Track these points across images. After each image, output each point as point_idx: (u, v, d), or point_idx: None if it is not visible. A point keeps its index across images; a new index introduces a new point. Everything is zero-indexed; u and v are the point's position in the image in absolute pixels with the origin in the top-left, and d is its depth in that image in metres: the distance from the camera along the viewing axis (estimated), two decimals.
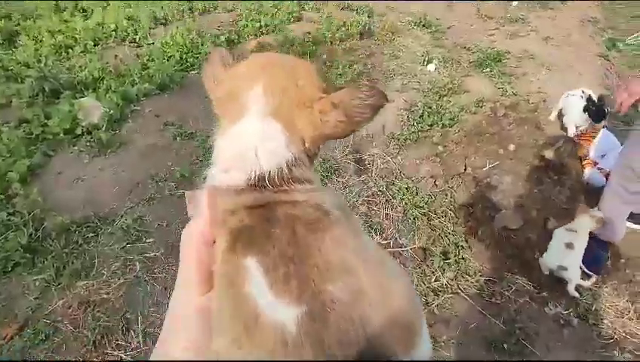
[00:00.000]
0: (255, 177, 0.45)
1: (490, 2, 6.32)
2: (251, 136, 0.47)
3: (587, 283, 2.19)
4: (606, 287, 2.24)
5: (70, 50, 4.34)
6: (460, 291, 2.20)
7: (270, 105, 0.48)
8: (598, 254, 2.27)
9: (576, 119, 3.09)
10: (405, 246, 2.42)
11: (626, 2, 6.75)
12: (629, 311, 2.11)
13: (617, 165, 2.21)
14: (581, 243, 2.15)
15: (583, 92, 3.14)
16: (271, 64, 0.53)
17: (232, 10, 5.53)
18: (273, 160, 0.46)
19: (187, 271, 0.47)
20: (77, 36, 4.54)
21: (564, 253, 2.12)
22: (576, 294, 2.15)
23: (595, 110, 2.90)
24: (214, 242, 0.46)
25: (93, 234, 2.39)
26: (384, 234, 2.49)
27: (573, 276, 2.13)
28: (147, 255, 2.31)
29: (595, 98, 3.00)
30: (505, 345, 1.97)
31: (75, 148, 3.03)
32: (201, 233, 0.47)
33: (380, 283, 0.42)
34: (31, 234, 2.34)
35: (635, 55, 4.82)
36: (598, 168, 2.86)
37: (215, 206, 0.46)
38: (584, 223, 2.17)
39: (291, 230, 0.42)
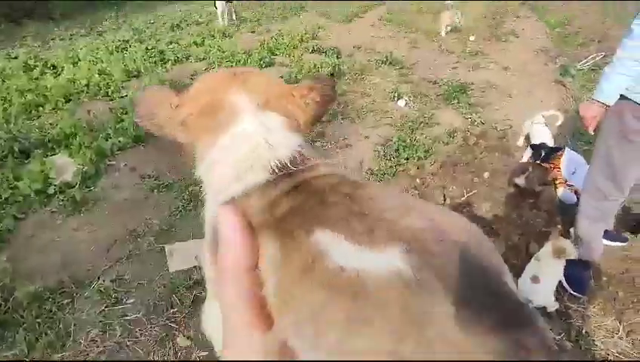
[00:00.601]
0: (277, 166, 0.44)
1: (451, 38, 6.73)
2: (256, 132, 0.46)
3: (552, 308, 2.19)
4: (593, 307, 2.26)
5: (40, 108, 4.29)
6: None
7: (259, 101, 0.49)
8: (582, 275, 2.32)
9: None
10: None
11: (571, 31, 7.32)
12: (619, 330, 2.13)
13: (585, 185, 2.30)
14: (548, 273, 2.16)
15: (543, 116, 3.36)
16: (236, 72, 0.55)
17: (204, 59, 5.67)
18: (288, 146, 0.46)
19: (235, 315, 0.37)
20: (47, 94, 4.51)
21: (530, 287, 2.13)
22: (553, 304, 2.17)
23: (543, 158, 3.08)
24: (257, 266, 0.39)
25: (68, 301, 2.26)
26: None
27: (546, 303, 2.15)
28: (127, 317, 2.19)
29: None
30: None
31: (47, 208, 2.93)
32: (236, 260, 0.38)
33: (443, 213, 0.40)
34: (0, 306, 2.19)
35: (587, 79, 5.17)
36: (568, 186, 2.99)
37: (244, 215, 0.41)
38: (546, 254, 2.18)
39: (341, 192, 0.40)
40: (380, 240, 0.33)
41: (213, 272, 0.45)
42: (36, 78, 5.04)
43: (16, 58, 6.06)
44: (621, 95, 1.94)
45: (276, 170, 0.43)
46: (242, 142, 0.46)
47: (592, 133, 2.18)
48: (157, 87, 0.57)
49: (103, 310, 2.22)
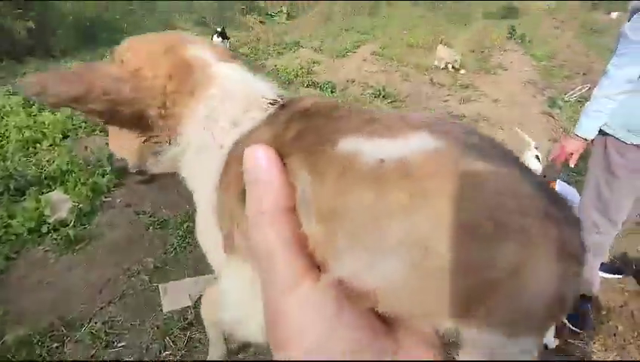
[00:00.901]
0: (270, 103, 0.45)
1: (442, 71, 6.95)
2: (240, 78, 0.48)
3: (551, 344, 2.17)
4: (594, 343, 2.24)
5: (38, 145, 4.32)
6: None
7: (218, 57, 0.52)
8: (582, 310, 2.30)
9: None
10: None
11: (556, 63, 7.59)
12: None
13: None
14: None
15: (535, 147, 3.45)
16: (165, 35, 0.56)
17: None
18: (269, 88, 0.48)
19: (278, 266, 0.32)
20: (45, 130, 4.56)
21: None
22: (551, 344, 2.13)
23: None
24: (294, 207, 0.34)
25: (58, 344, 2.20)
26: None
27: (547, 340, 2.13)
28: None
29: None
30: None
31: (41, 247, 2.89)
32: (275, 200, 0.33)
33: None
34: None
35: (574, 110, 5.33)
36: None
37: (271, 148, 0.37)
38: None
39: (342, 110, 0.39)
40: (402, 132, 0.33)
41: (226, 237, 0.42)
42: (35, 115, 5.09)
43: (15, 94, 6.14)
44: (604, 130, 2.02)
45: (270, 107, 0.45)
46: (232, 88, 0.47)
47: (572, 166, 2.25)
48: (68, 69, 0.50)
49: (93, 354, 2.16)
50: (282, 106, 0.43)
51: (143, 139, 0.51)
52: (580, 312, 2.30)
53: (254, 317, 0.41)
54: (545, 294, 0.26)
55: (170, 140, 0.50)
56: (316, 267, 0.32)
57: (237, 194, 0.39)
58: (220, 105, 0.46)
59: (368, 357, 0.29)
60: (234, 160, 0.41)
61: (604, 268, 2.52)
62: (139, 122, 0.49)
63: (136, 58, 0.50)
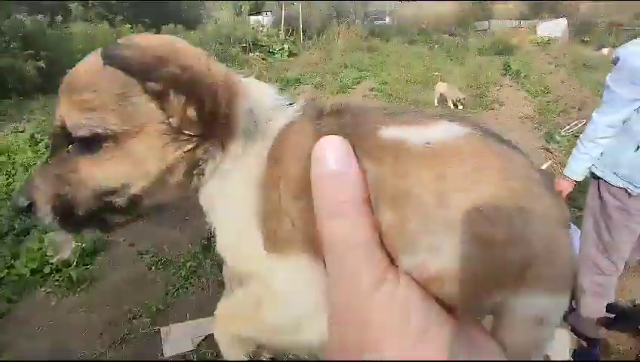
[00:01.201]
0: (294, 105, 0.49)
1: (441, 107, 7.10)
2: (264, 89, 0.52)
3: None
4: None
5: None
6: None
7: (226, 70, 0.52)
8: (590, 353, 2.26)
9: None
10: None
11: (551, 99, 7.77)
12: None
13: (581, 260, 2.32)
14: (557, 351, 2.13)
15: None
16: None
17: None
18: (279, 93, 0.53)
19: (358, 261, 0.31)
20: None
21: None
22: None
23: None
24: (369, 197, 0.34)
25: None
26: None
27: None
28: None
29: None
30: None
31: (43, 289, 2.88)
32: (354, 192, 0.33)
33: None
34: None
35: (571, 145, 5.41)
36: None
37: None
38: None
39: (355, 109, 0.42)
40: (425, 121, 0.36)
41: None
42: (42, 153, 5.19)
43: (22, 132, 6.27)
44: (595, 174, 2.09)
45: (289, 106, 0.49)
46: (261, 90, 0.52)
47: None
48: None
49: None
50: (304, 106, 0.48)
51: (189, 147, 0.46)
52: (588, 355, 2.25)
53: (318, 320, 0.38)
54: (568, 256, 0.32)
55: (224, 146, 0.48)
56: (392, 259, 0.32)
57: (292, 189, 0.38)
58: (259, 102, 0.50)
59: (458, 351, 0.30)
60: (280, 154, 0.42)
61: (610, 308, 2.49)
62: (210, 120, 0.46)
63: (191, 56, 0.47)
